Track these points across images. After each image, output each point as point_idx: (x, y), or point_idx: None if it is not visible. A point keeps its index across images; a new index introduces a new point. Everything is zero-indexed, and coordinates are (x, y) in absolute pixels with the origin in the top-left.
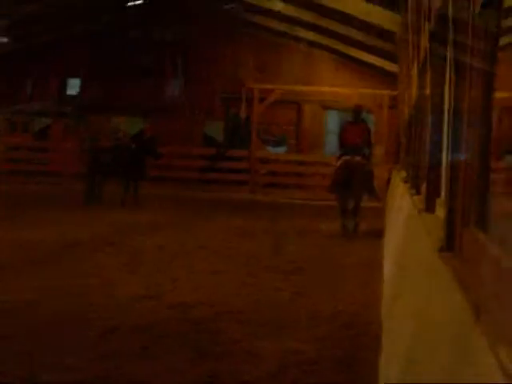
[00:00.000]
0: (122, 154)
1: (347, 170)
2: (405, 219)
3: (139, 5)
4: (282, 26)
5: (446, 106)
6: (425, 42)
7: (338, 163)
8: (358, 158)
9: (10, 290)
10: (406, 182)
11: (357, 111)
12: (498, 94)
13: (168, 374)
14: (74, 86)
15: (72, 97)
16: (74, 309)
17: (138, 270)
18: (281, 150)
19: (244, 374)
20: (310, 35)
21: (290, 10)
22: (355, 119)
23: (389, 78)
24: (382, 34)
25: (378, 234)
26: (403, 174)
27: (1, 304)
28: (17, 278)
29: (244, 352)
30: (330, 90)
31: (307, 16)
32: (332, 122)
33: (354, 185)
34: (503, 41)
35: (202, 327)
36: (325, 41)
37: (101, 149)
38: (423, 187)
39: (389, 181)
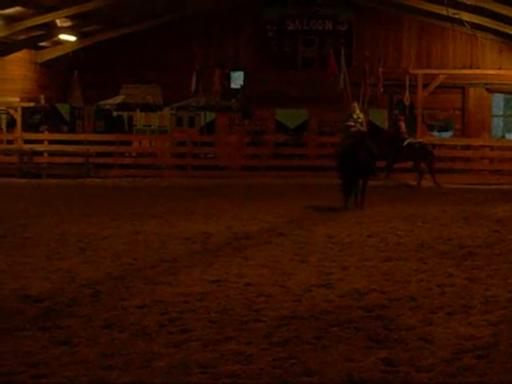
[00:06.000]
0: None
1: None
2: None
3: None
4: (444, 10)
5: None
6: None
7: None
8: None
9: (182, 282)
10: None
11: None
12: None
13: (342, 363)
14: (237, 80)
15: (236, 90)
16: (247, 299)
17: (308, 260)
18: (447, 134)
19: (420, 361)
20: (474, 18)
21: None
22: None
23: None
24: None
25: None
26: None
27: (174, 296)
28: (187, 271)
29: (418, 338)
30: (495, 72)
31: None
32: (498, 105)
33: None
34: None
35: (375, 314)
36: (489, 23)
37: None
38: None
39: None
